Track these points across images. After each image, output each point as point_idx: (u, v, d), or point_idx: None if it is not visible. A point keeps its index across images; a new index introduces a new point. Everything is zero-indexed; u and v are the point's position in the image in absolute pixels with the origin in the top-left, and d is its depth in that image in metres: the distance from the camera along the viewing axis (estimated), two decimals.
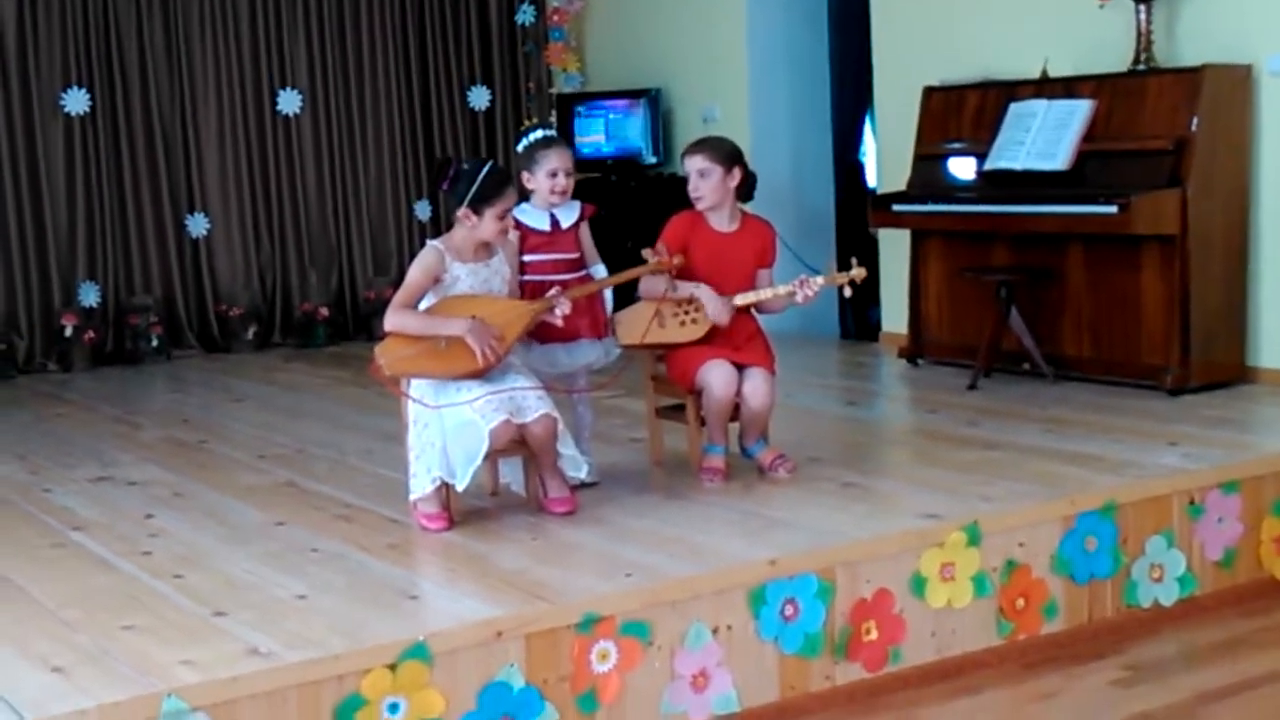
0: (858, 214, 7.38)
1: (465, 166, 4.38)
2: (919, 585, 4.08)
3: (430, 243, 4.41)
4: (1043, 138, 6.30)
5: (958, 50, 7.18)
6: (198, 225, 8.56)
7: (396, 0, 9.02)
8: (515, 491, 4.66)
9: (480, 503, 4.61)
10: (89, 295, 8.25)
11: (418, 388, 4.32)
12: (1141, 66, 6.24)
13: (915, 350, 7.05)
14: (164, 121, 8.45)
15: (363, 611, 3.60)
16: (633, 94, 8.94)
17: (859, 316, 8.46)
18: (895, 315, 7.50)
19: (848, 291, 4.83)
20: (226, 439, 5.98)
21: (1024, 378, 6.39)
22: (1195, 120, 5.91)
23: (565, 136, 7.97)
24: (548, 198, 4.75)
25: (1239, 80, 6.04)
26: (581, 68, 9.48)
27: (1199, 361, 5.99)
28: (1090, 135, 6.20)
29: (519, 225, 4.69)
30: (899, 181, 7.11)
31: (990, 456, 5.00)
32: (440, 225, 8.74)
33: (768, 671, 3.86)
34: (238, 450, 5.71)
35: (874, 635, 4.01)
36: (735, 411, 4.80)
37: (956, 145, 6.83)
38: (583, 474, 4.57)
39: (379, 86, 8.99)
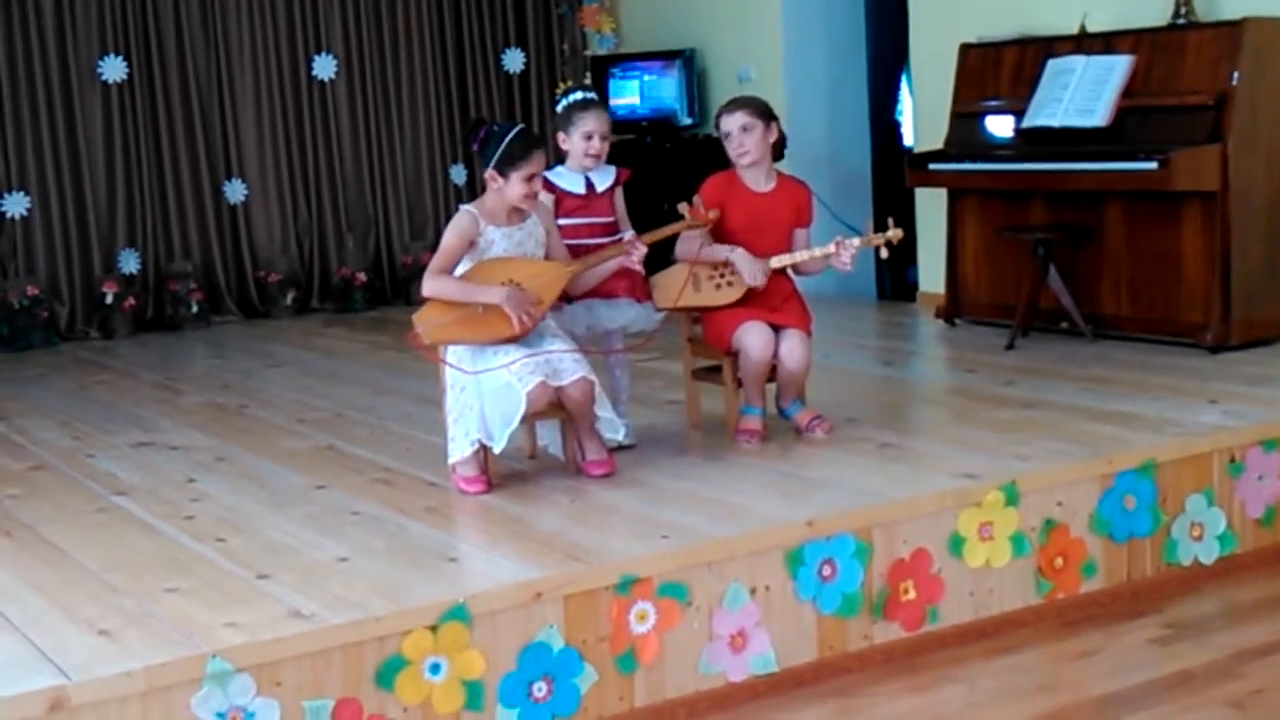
0: (895, 174, 7.35)
1: (496, 129, 4.38)
2: (957, 545, 4.08)
3: (463, 207, 4.42)
4: (1081, 94, 6.24)
5: (995, 7, 7.11)
6: (235, 192, 8.60)
7: None
8: (553, 454, 4.68)
9: (518, 465, 4.63)
10: (129, 262, 8.32)
11: (455, 353, 4.34)
12: (1181, 20, 6.17)
13: (953, 310, 7.02)
14: (200, 88, 8.48)
15: (403, 574, 3.62)
16: (667, 55, 8.90)
17: (896, 277, 8.43)
18: (932, 275, 7.47)
19: (884, 253, 4.81)
20: (266, 404, 6.02)
21: (1062, 337, 6.36)
22: (1236, 75, 5.84)
23: (600, 98, 7.96)
24: (582, 160, 4.75)
25: None
26: (616, 29, 9.45)
27: (1239, 319, 5.94)
28: (1129, 91, 6.14)
29: (553, 188, 4.69)
30: (936, 140, 7.07)
31: (1028, 416, 4.98)
32: (475, 189, 8.74)
33: (806, 631, 3.87)
34: (278, 415, 5.76)
35: (912, 595, 4.02)
36: (772, 373, 4.80)
37: (994, 103, 6.77)
38: (620, 436, 4.57)
39: (413, 51, 8.99)
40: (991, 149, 6.69)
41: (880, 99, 8.79)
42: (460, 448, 4.31)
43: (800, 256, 4.78)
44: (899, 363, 6.50)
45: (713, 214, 4.71)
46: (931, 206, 7.38)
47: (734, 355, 4.78)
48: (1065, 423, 4.84)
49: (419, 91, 9.04)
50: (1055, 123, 6.29)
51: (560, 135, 4.78)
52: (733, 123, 4.79)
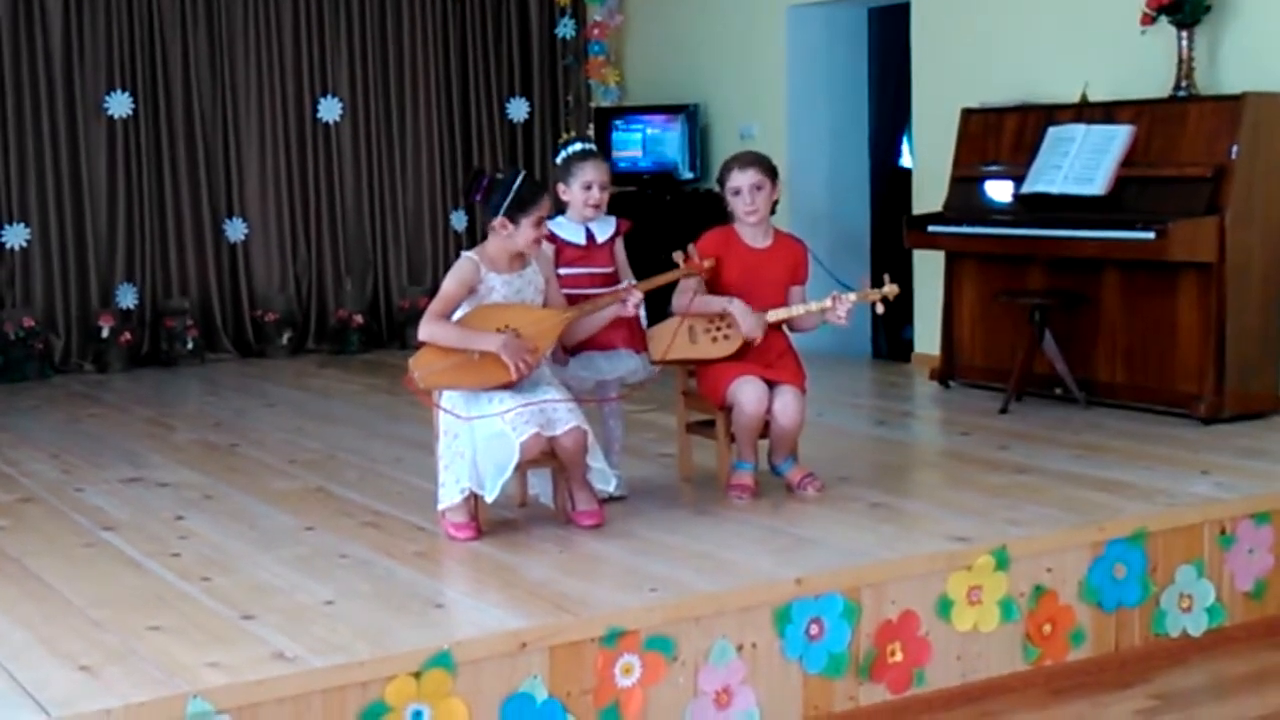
0: (894, 234, 7.38)
1: (499, 177, 4.40)
2: (945, 608, 4.07)
3: (465, 254, 4.43)
4: (1081, 162, 6.28)
5: (997, 73, 7.17)
6: (236, 230, 8.63)
7: (438, 11, 9.08)
8: (543, 503, 4.67)
9: (508, 513, 4.62)
10: (126, 297, 8.32)
11: (449, 398, 4.34)
12: (1182, 93, 6.22)
13: (947, 372, 7.03)
14: (205, 126, 8.52)
15: (388, 618, 3.61)
16: (671, 109, 8.95)
17: (892, 337, 8.44)
18: (928, 336, 7.49)
19: (880, 308, 4.82)
20: (258, 443, 6.01)
21: (1056, 402, 6.36)
22: (1235, 148, 5.88)
23: (603, 150, 7.99)
24: (582, 210, 4.77)
25: None
26: (620, 81, 9.51)
27: (1233, 391, 5.95)
28: (1129, 161, 6.17)
29: (554, 238, 4.71)
30: (935, 203, 7.10)
31: (1020, 481, 4.98)
32: (476, 236, 8.77)
33: (791, 690, 3.85)
34: (269, 455, 5.74)
35: (899, 657, 4.00)
36: (765, 428, 4.80)
37: (994, 168, 6.81)
38: (611, 487, 4.57)
39: (419, 96, 9.05)
40: (990, 213, 6.72)
41: (881, 160, 8.84)
42: (450, 494, 4.30)
43: (796, 311, 4.79)
44: (892, 423, 6.50)
45: (708, 263, 4.72)
46: (929, 268, 7.41)
47: (727, 410, 4.78)
48: (1057, 489, 4.84)
49: (423, 137, 9.09)
50: (1054, 190, 6.32)
51: (560, 186, 4.80)
52: (745, 180, 4.79)
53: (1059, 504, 4.62)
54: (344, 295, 8.88)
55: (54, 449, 5.94)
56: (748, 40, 8.63)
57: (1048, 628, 4.23)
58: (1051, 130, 6.51)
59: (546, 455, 4.36)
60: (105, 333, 8.21)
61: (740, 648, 3.76)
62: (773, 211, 4.92)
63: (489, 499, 4.29)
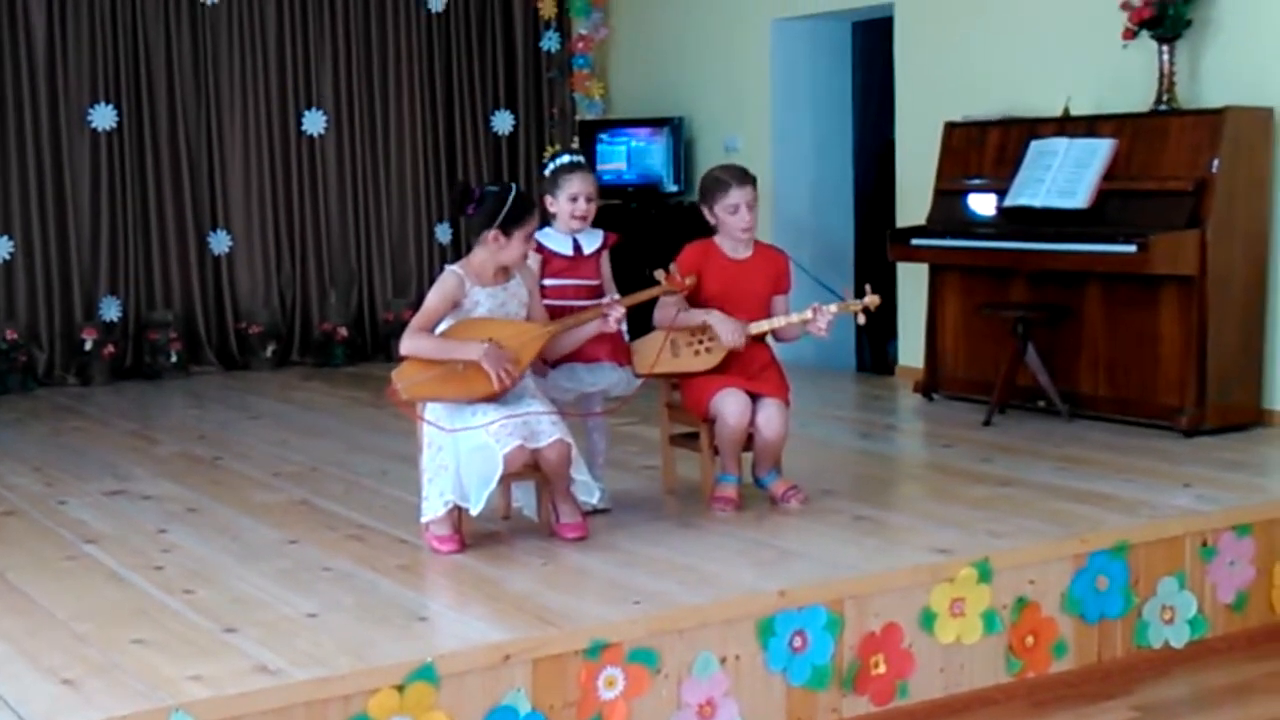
0: (878, 247, 7.40)
1: (490, 191, 4.41)
2: (928, 620, 4.08)
3: (449, 267, 4.43)
4: (1063, 176, 6.31)
5: (980, 87, 7.20)
6: (220, 242, 8.62)
7: (423, 24, 9.09)
8: (527, 516, 4.67)
9: (492, 526, 4.61)
10: (110, 310, 8.31)
11: (433, 411, 4.34)
12: (1163, 107, 6.25)
13: (931, 385, 7.05)
14: (190, 139, 8.51)
15: (372, 631, 3.60)
16: (655, 122, 8.97)
17: (876, 350, 8.47)
18: (912, 349, 7.51)
19: (861, 319, 4.83)
20: (242, 456, 6.00)
21: (1039, 415, 6.38)
22: (1216, 162, 5.91)
23: (588, 163, 8.02)
24: (569, 222, 4.78)
25: (1260, 123, 6.05)
26: (605, 94, 9.53)
27: (1215, 403, 5.98)
28: (1111, 174, 6.20)
29: (542, 249, 4.72)
30: (919, 216, 7.12)
31: (1003, 493, 5.00)
32: (460, 248, 8.78)
33: (775, 703, 3.85)
34: (252, 467, 5.73)
35: (882, 669, 4.00)
36: (749, 441, 4.80)
37: (977, 181, 6.84)
38: (595, 500, 4.58)
39: (404, 109, 9.06)
40: (973, 226, 6.75)
41: (865, 173, 8.86)
42: (433, 507, 4.30)
43: (779, 322, 4.80)
44: (876, 435, 6.51)
45: (689, 280, 4.73)
46: (913, 281, 7.43)
47: (711, 422, 4.79)
48: (1040, 501, 4.85)
49: (407, 149, 9.09)
50: (1037, 203, 6.35)
51: (547, 198, 4.82)
52: (744, 196, 4.80)
53: (1041, 516, 4.64)
54: (328, 308, 8.87)
55: (37, 462, 5.92)
56: (732, 53, 8.66)
57: (1030, 640, 4.24)
58: (1034, 144, 6.54)
59: (530, 468, 4.36)
60: (89, 345, 8.18)
61: (724, 660, 3.77)
62: None
63: (473, 512, 4.29)
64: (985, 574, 4.15)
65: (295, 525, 4.75)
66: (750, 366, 4.80)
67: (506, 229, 4.33)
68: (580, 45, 9.43)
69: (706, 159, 8.50)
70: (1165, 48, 6.23)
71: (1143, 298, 6.15)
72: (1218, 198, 5.91)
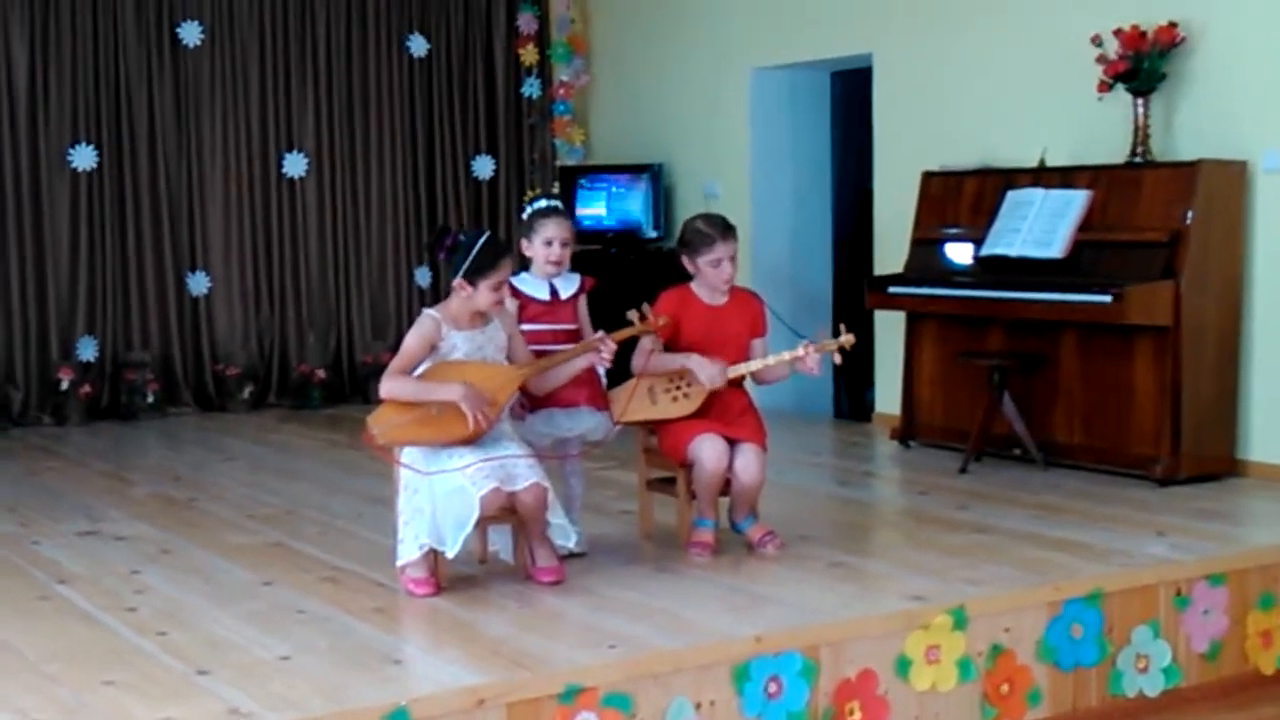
0: (855, 294, 7.43)
1: (463, 237, 4.42)
2: (904, 667, 4.08)
3: (427, 311, 4.44)
4: (1039, 226, 6.36)
5: (957, 137, 7.26)
6: (199, 284, 8.61)
7: (405, 68, 9.14)
8: (503, 559, 4.67)
9: (468, 569, 4.60)
10: (87, 349, 8.28)
11: (409, 454, 4.33)
12: (1138, 159, 6.31)
13: (908, 432, 7.07)
14: (170, 179, 8.52)
15: (345, 674, 3.58)
16: (635, 168, 9.01)
17: (854, 397, 8.48)
18: (889, 396, 7.53)
19: (837, 358, 4.85)
20: (217, 497, 5.98)
21: (1015, 463, 6.40)
22: (1190, 214, 5.97)
23: (567, 208, 8.04)
24: (544, 266, 4.80)
25: (1234, 176, 6.11)
26: (586, 140, 9.57)
27: (1189, 453, 6.01)
28: (1086, 225, 6.26)
29: (518, 294, 4.73)
30: (896, 264, 7.16)
31: (979, 540, 5.01)
32: (439, 292, 8.79)
33: None
34: (227, 509, 5.71)
35: (857, 716, 4.00)
36: (726, 486, 4.81)
37: (954, 230, 6.89)
38: (571, 544, 4.57)
39: (385, 152, 9.08)
40: (950, 275, 6.79)
41: (843, 220, 8.92)
42: (409, 550, 4.29)
43: (758, 364, 4.83)
44: (853, 482, 6.52)
45: (662, 320, 4.75)
46: (890, 329, 7.47)
47: (688, 467, 4.79)
48: (1015, 549, 4.86)
49: (388, 192, 9.11)
50: (1013, 252, 6.39)
51: (523, 242, 4.84)
52: (728, 250, 4.83)
53: (1017, 564, 4.65)
54: (306, 350, 8.86)
55: (10, 502, 5.89)
56: (712, 101, 8.72)
57: (1005, 687, 4.25)
58: (1010, 194, 6.60)
59: (506, 511, 4.36)
60: (65, 385, 8.16)
61: (699, 705, 3.76)
62: None
63: (449, 555, 4.28)
64: (960, 621, 4.15)
65: (270, 567, 4.73)
66: (728, 412, 4.82)
67: (471, 278, 4.34)
68: (561, 91, 9.48)
69: (686, 205, 8.55)
70: (1140, 101, 6.30)
71: (1118, 347, 6.18)
72: (1192, 249, 5.96)
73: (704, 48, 8.76)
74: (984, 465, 6.42)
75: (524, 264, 4.86)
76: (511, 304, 4.66)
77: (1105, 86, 6.39)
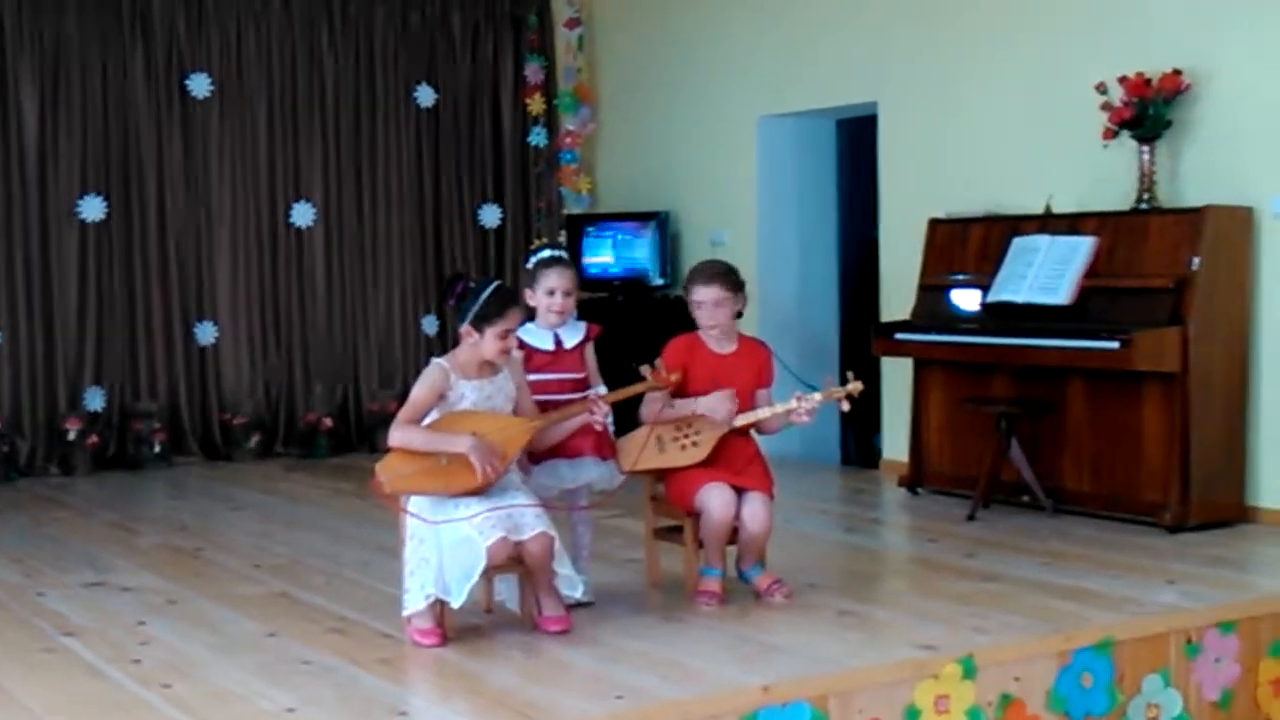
0: (862, 342, 7.43)
1: (472, 285, 4.43)
2: (913, 717, 4.04)
3: (435, 360, 4.45)
4: (1045, 272, 6.36)
5: (963, 184, 7.28)
6: (206, 333, 8.63)
7: (411, 117, 9.19)
8: (510, 609, 4.64)
9: (474, 620, 4.58)
10: (94, 399, 8.29)
11: (416, 503, 4.33)
12: (1144, 205, 6.32)
13: (915, 479, 7.05)
14: (178, 230, 8.55)
15: None
16: (642, 216, 9.03)
17: (861, 443, 8.46)
18: (896, 443, 7.52)
19: (845, 406, 4.84)
20: (223, 547, 5.96)
21: (1023, 510, 6.38)
22: (1197, 260, 5.97)
23: (574, 256, 8.04)
24: (547, 316, 4.81)
25: (1240, 221, 6.12)
26: (592, 189, 9.60)
27: (1198, 500, 5.99)
28: (1093, 271, 6.26)
29: (522, 345, 4.73)
30: (903, 310, 7.17)
31: (987, 589, 4.98)
32: (447, 341, 8.80)
33: None
34: (234, 559, 5.70)
35: None
36: (733, 535, 4.79)
37: (960, 277, 6.89)
38: (578, 593, 4.55)
39: (391, 201, 9.12)
40: (957, 321, 6.79)
41: (850, 267, 8.93)
42: (415, 600, 4.28)
43: (763, 414, 4.82)
44: (861, 530, 6.50)
45: (674, 376, 4.75)
46: (897, 375, 7.46)
47: (695, 516, 4.78)
48: (1024, 597, 4.84)
49: (395, 241, 9.14)
50: (1019, 299, 6.39)
51: (527, 291, 4.84)
52: (708, 295, 4.84)
53: (1026, 612, 4.62)
54: (313, 399, 8.87)
55: (16, 553, 5.87)
56: (718, 149, 8.75)
57: None
58: (1016, 240, 6.60)
59: (513, 560, 4.35)
60: (72, 435, 8.16)
61: None
62: (739, 316, 4.96)
63: (455, 605, 4.27)
64: (970, 670, 4.12)
65: (276, 618, 4.71)
66: (735, 460, 4.81)
67: (479, 325, 4.35)
68: (568, 140, 9.52)
69: (692, 253, 8.56)
70: (1145, 147, 6.32)
71: (1125, 394, 6.17)
72: (1199, 295, 5.96)
73: (710, 96, 8.80)
74: (992, 512, 6.39)
75: (531, 314, 4.87)
76: (517, 354, 4.66)
77: (1110, 133, 6.41)
